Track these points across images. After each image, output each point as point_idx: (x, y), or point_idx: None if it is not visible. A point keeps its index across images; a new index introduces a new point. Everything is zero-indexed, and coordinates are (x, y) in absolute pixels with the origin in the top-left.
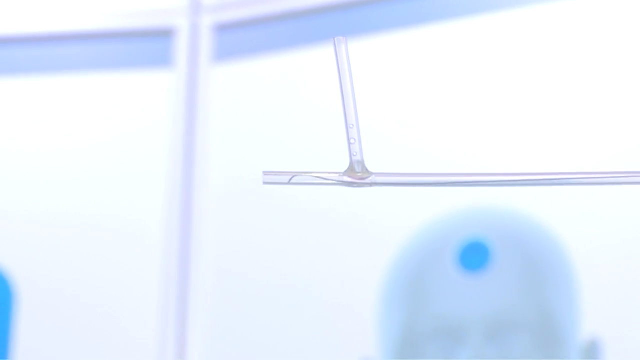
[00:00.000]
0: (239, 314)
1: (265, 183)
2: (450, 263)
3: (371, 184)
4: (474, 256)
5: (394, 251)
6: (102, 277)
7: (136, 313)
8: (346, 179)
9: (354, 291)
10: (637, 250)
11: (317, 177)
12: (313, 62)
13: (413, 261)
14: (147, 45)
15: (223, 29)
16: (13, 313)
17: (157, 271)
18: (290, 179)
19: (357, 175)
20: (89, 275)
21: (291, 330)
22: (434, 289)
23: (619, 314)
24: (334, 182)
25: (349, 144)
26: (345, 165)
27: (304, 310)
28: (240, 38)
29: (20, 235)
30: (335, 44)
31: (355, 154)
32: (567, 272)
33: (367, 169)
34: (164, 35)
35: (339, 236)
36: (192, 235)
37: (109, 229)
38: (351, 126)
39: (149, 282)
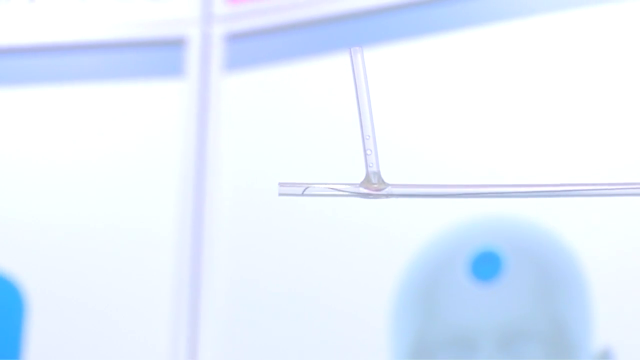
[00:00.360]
0: (250, 323)
1: (280, 194)
2: (463, 272)
3: (387, 195)
4: (486, 266)
5: (407, 260)
6: (112, 287)
7: (147, 322)
8: (362, 190)
9: (366, 300)
10: None
11: (333, 188)
12: (325, 71)
13: (425, 270)
14: (158, 55)
15: (234, 39)
16: (24, 320)
17: (168, 280)
18: (304, 190)
19: (373, 186)
20: (99, 284)
21: (303, 339)
22: (446, 299)
23: (631, 323)
24: (350, 193)
25: (365, 155)
26: (358, 176)
27: (316, 319)
28: (251, 47)
29: (31, 243)
30: (351, 54)
31: (371, 164)
32: (580, 281)
33: (383, 180)
34: (175, 44)
35: (351, 245)
36: (203, 245)
37: (120, 238)
38: (367, 137)
39: (160, 292)
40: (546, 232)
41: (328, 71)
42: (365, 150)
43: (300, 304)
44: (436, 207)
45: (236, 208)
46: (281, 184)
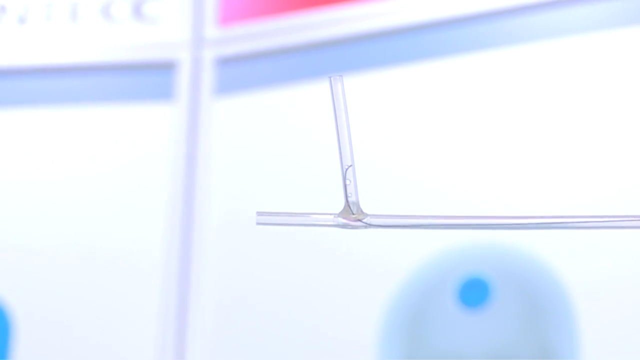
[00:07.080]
0: (237, 351)
1: (258, 224)
2: (450, 299)
3: (366, 226)
4: (474, 293)
5: (394, 287)
6: (100, 311)
7: (134, 346)
8: (341, 220)
9: (354, 328)
10: (635, 289)
11: (312, 218)
12: (314, 96)
13: (413, 297)
14: (149, 78)
15: (225, 63)
16: (10, 345)
17: (155, 305)
18: (284, 223)
19: (352, 216)
20: (87, 308)
21: None
22: (434, 326)
23: (618, 351)
24: (328, 224)
25: (345, 184)
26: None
27: (303, 347)
28: (242, 72)
29: (17, 263)
30: (331, 83)
31: (350, 194)
32: (567, 309)
33: (362, 211)
34: (165, 68)
35: (339, 273)
36: (191, 270)
37: (108, 262)
38: (347, 167)
39: (147, 316)
40: (533, 259)
41: (318, 96)
42: (344, 180)
43: (287, 331)
44: (424, 234)
45: (224, 232)
46: (259, 213)
